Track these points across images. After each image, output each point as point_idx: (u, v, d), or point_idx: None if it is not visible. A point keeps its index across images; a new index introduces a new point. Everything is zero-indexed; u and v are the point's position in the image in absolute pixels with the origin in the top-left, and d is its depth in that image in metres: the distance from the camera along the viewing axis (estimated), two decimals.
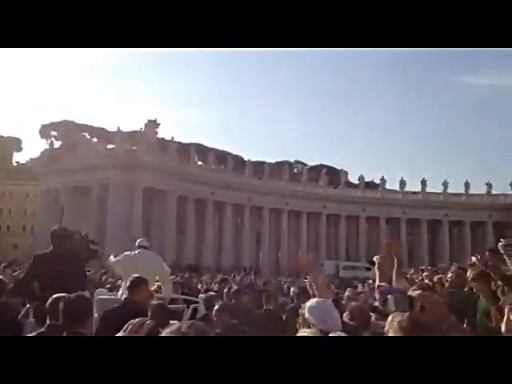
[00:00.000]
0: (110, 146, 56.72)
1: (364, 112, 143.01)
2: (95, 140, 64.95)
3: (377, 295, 4.58)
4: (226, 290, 8.30)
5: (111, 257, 8.36)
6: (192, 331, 1.70)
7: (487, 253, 8.92)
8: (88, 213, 51.96)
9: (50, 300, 4.62)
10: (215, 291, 11.73)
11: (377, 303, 5.02)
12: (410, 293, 2.98)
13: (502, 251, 7.07)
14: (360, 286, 16.39)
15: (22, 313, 6.87)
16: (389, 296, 3.32)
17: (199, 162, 68.74)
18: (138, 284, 5.59)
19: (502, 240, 7.32)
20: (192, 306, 8.19)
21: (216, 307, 5.73)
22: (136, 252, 8.34)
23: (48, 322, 4.52)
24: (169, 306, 6.76)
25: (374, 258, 5.06)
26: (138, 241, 8.70)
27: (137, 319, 1.87)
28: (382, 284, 4.45)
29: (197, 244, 57.04)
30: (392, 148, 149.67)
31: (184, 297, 9.32)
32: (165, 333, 1.73)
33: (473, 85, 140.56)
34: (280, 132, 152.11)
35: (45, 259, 6.80)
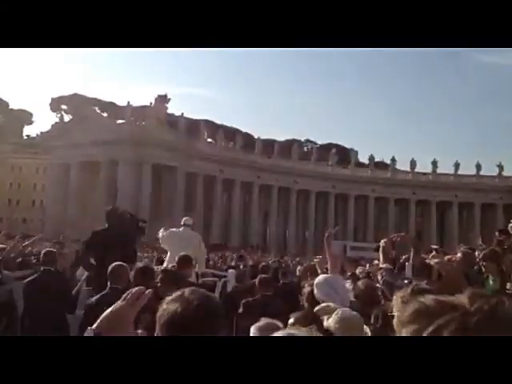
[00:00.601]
0: (120, 121, 56.68)
1: (376, 92, 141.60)
2: (105, 114, 64.93)
3: (379, 277, 4.53)
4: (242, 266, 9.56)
5: (161, 230, 9.30)
6: (195, 296, 1.77)
7: (497, 233, 8.85)
8: (97, 188, 52.24)
9: (111, 267, 5.37)
10: (233, 267, 13.09)
11: (378, 285, 4.98)
12: (428, 261, 2.91)
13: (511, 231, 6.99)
14: (368, 266, 16.37)
15: (82, 279, 7.83)
16: (407, 263, 3.27)
17: (208, 139, 68.58)
18: (185, 261, 6.63)
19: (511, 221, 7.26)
20: (223, 279, 9.18)
21: (258, 279, 7.10)
22: (180, 230, 9.34)
23: (109, 285, 5.26)
24: (203, 279, 8.32)
25: (381, 242, 4.99)
26: (183, 219, 9.68)
27: (136, 288, 1.85)
28: (383, 266, 4.40)
29: (205, 221, 57.22)
30: (403, 128, 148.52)
31: (213, 271, 10.63)
32: (167, 299, 1.81)
33: (486, 64, 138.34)
34: (290, 110, 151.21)
35: (100, 235, 7.78)
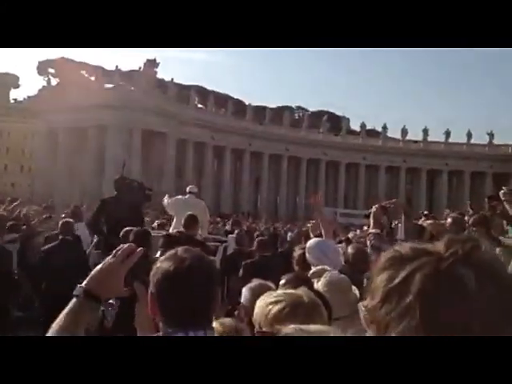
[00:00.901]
0: (108, 86, 55.84)
1: (368, 60, 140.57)
2: (93, 79, 63.89)
3: (368, 242, 4.55)
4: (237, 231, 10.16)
5: (165, 198, 9.95)
6: (188, 255, 1.81)
7: (486, 200, 8.90)
8: (86, 154, 51.81)
9: (122, 232, 5.86)
10: (229, 231, 13.57)
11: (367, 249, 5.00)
12: (420, 222, 2.91)
13: (503, 198, 7.03)
14: (358, 232, 16.59)
15: (93, 243, 8.56)
16: (399, 225, 3.29)
17: (199, 105, 67.90)
18: (192, 220, 7.21)
19: (503, 188, 7.30)
20: (224, 244, 9.95)
21: (256, 241, 7.74)
22: (186, 197, 9.95)
23: None
24: (206, 243, 8.77)
25: (372, 208, 4.98)
26: (188, 187, 10.32)
27: (126, 245, 1.88)
28: (372, 231, 4.40)
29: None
30: (394, 96, 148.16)
31: (214, 236, 11.34)
32: (161, 258, 1.87)
33: None
34: (282, 76, 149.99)
35: (110, 203, 8.48)
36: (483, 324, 0.68)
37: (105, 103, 49.60)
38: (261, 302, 2.11)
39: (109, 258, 1.81)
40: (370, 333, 0.76)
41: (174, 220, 9.48)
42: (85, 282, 1.77)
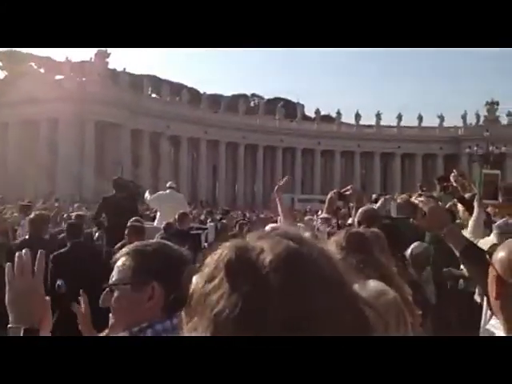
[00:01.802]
0: (59, 77, 54.23)
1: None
2: (42, 70, 61.89)
3: (319, 223, 4.70)
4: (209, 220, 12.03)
5: (147, 194, 11.12)
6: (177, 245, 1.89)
7: (436, 181, 9.28)
8: (38, 147, 50.33)
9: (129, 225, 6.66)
10: (201, 221, 15.06)
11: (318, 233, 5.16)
12: (412, 199, 3.03)
13: (453, 180, 7.34)
14: (315, 216, 17.06)
15: (96, 236, 9.58)
16: (392, 202, 3.43)
17: (153, 95, 66.81)
18: (184, 216, 8.72)
19: (454, 171, 7.59)
20: (206, 231, 11.00)
21: (238, 224, 9.05)
22: (167, 192, 11.29)
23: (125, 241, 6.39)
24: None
25: (330, 193, 5.14)
26: (168, 183, 11.80)
27: (17, 257, 1.65)
28: (322, 216, 4.53)
29: (152, 178, 56.41)
30: (348, 80, 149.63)
31: (197, 225, 12.20)
32: (156, 248, 1.84)
33: None
34: (237, 64, 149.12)
35: (110, 200, 9.60)
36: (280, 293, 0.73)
37: (56, 95, 48.21)
38: None
39: (16, 280, 1.60)
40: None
41: (159, 213, 10.76)
42: (17, 322, 1.56)
